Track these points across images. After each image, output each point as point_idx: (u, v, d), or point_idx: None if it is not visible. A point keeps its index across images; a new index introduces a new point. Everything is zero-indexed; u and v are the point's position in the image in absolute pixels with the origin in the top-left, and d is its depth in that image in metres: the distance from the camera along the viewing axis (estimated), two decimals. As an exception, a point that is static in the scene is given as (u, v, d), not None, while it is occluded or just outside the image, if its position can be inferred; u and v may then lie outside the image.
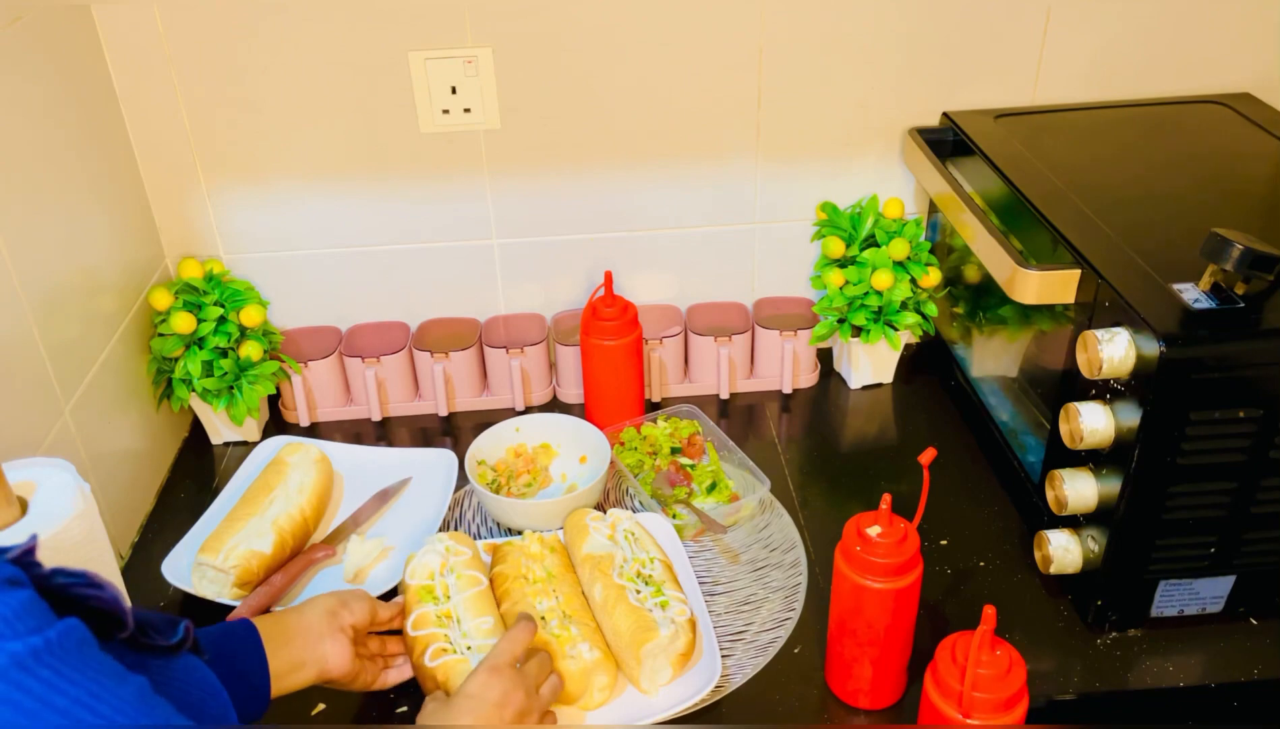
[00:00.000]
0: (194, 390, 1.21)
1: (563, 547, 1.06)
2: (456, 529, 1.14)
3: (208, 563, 1.01)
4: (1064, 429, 0.90)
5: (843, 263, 1.29)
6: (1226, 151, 1.15)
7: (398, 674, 0.94)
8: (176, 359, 1.20)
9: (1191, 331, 0.83)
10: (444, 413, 1.32)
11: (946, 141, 1.24)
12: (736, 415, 1.32)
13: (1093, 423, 0.88)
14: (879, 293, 1.25)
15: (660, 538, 1.08)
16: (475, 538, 1.11)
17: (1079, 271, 0.93)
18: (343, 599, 0.91)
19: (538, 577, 1.00)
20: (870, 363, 1.33)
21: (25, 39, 1.01)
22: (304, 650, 0.86)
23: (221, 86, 1.19)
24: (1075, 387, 0.92)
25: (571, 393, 1.34)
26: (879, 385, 1.35)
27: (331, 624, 0.88)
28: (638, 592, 0.97)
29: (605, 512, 1.08)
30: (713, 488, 1.15)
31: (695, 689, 0.92)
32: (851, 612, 0.87)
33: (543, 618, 0.96)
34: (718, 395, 1.34)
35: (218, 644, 0.79)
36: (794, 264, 1.36)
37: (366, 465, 1.21)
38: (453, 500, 1.16)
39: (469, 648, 0.91)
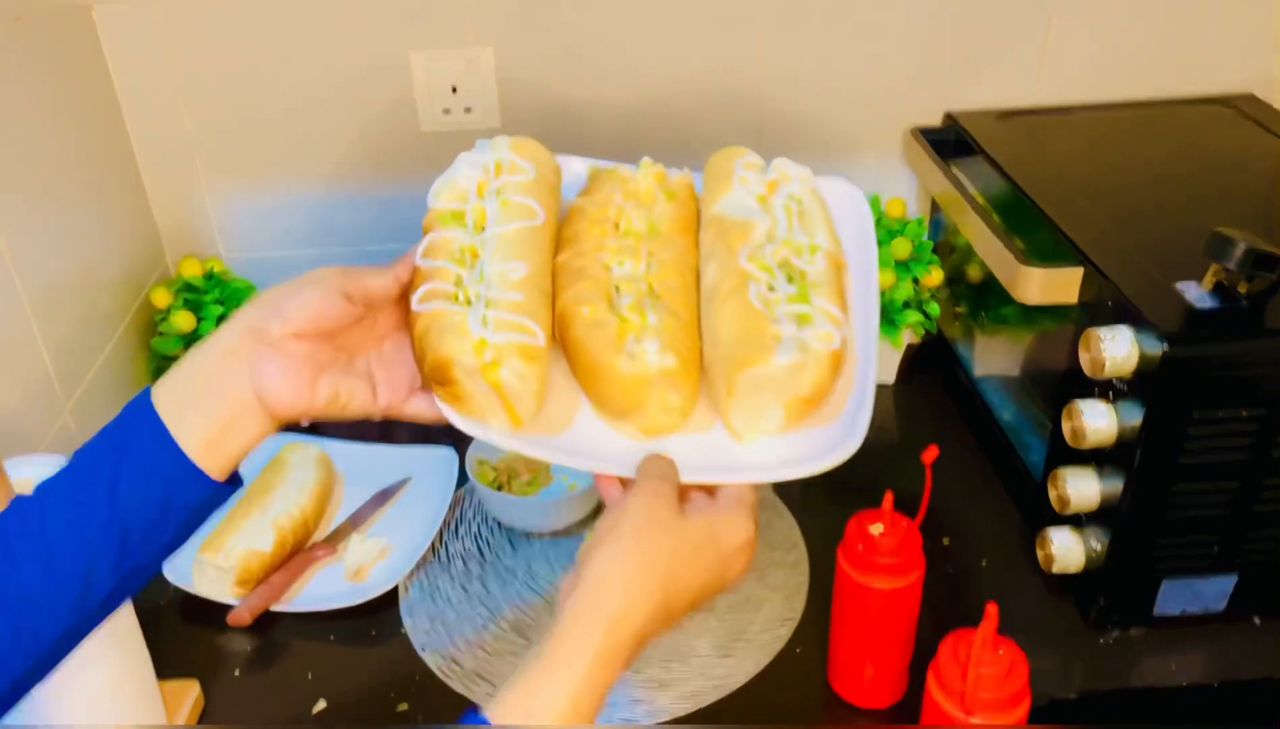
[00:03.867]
0: (194, 389, 1.21)
1: (693, 196, 0.76)
2: (458, 529, 1.13)
3: (208, 561, 1.01)
4: (1066, 428, 0.90)
5: (844, 262, 1.28)
6: (1230, 152, 1.15)
7: (429, 406, 0.68)
8: (177, 358, 1.20)
9: (1195, 331, 0.82)
10: (445, 412, 1.31)
11: (949, 141, 1.24)
12: (738, 415, 1.32)
13: (1095, 422, 0.88)
14: (881, 292, 1.25)
15: (846, 227, 0.73)
16: (478, 536, 1.07)
17: (1081, 270, 0.93)
18: (273, 298, 0.66)
19: (632, 227, 0.70)
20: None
21: (25, 39, 1.01)
22: (222, 401, 0.63)
23: (222, 85, 1.19)
24: (1078, 385, 0.92)
25: (572, 392, 1.33)
26: (881, 384, 1.35)
27: (254, 341, 0.64)
28: (770, 288, 0.65)
29: (770, 161, 0.75)
30: (714, 487, 1.13)
31: (810, 452, 0.63)
32: (853, 611, 0.87)
33: (616, 289, 0.67)
34: (719, 395, 1.33)
35: (113, 443, 0.63)
36: (795, 263, 1.36)
37: (367, 464, 1.21)
38: (454, 499, 1.16)
39: (476, 297, 0.64)
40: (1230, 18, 1.23)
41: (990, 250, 1.02)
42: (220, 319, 1.21)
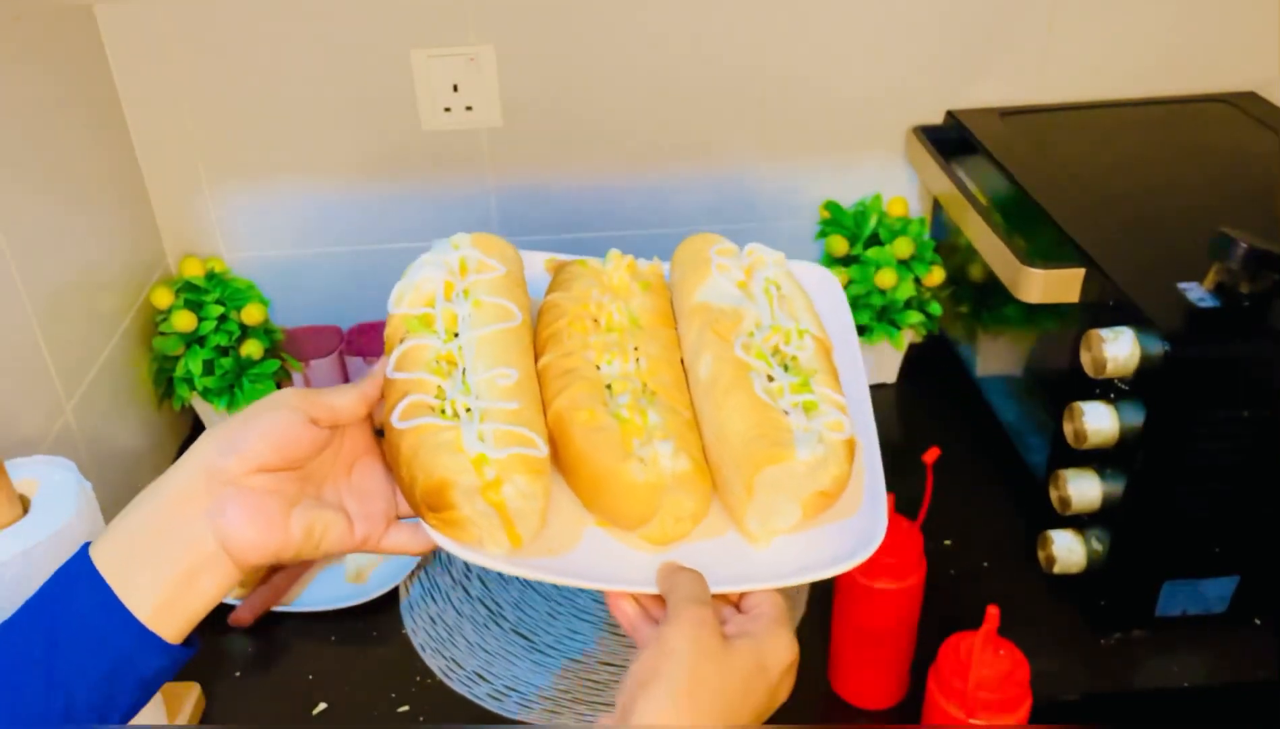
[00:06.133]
0: (195, 389, 1.21)
1: (664, 284, 0.74)
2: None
3: (209, 562, 1.01)
4: (1068, 428, 0.90)
5: (846, 261, 1.28)
6: (1232, 150, 1.14)
7: (413, 537, 0.63)
8: (178, 358, 1.20)
9: (1197, 331, 0.82)
10: (446, 412, 1.31)
11: (951, 140, 1.23)
12: (739, 414, 1.31)
13: (1097, 422, 0.88)
14: (882, 292, 1.25)
15: (823, 304, 0.72)
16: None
17: (1083, 270, 0.93)
18: (229, 431, 0.58)
19: (615, 322, 0.67)
20: (874, 362, 1.33)
21: (27, 38, 1.00)
22: (178, 554, 0.55)
23: (223, 85, 1.19)
24: (1079, 386, 0.92)
25: (574, 392, 1.33)
26: (882, 385, 1.35)
27: (211, 482, 0.56)
28: (770, 379, 0.63)
29: (743, 246, 0.73)
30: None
31: (837, 553, 0.62)
32: (855, 612, 0.87)
33: (608, 388, 0.64)
34: (720, 394, 1.33)
35: (48, 612, 0.54)
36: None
37: (368, 464, 1.20)
38: (455, 499, 1.16)
39: (468, 410, 0.59)
40: (1232, 16, 1.23)
41: (992, 250, 1.02)
42: (221, 319, 1.21)
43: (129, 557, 0.55)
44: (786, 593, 0.64)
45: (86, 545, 0.56)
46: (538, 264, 0.75)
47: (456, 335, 0.62)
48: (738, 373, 0.63)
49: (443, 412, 0.59)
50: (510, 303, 0.65)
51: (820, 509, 0.62)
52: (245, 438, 0.57)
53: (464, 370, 0.61)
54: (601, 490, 0.61)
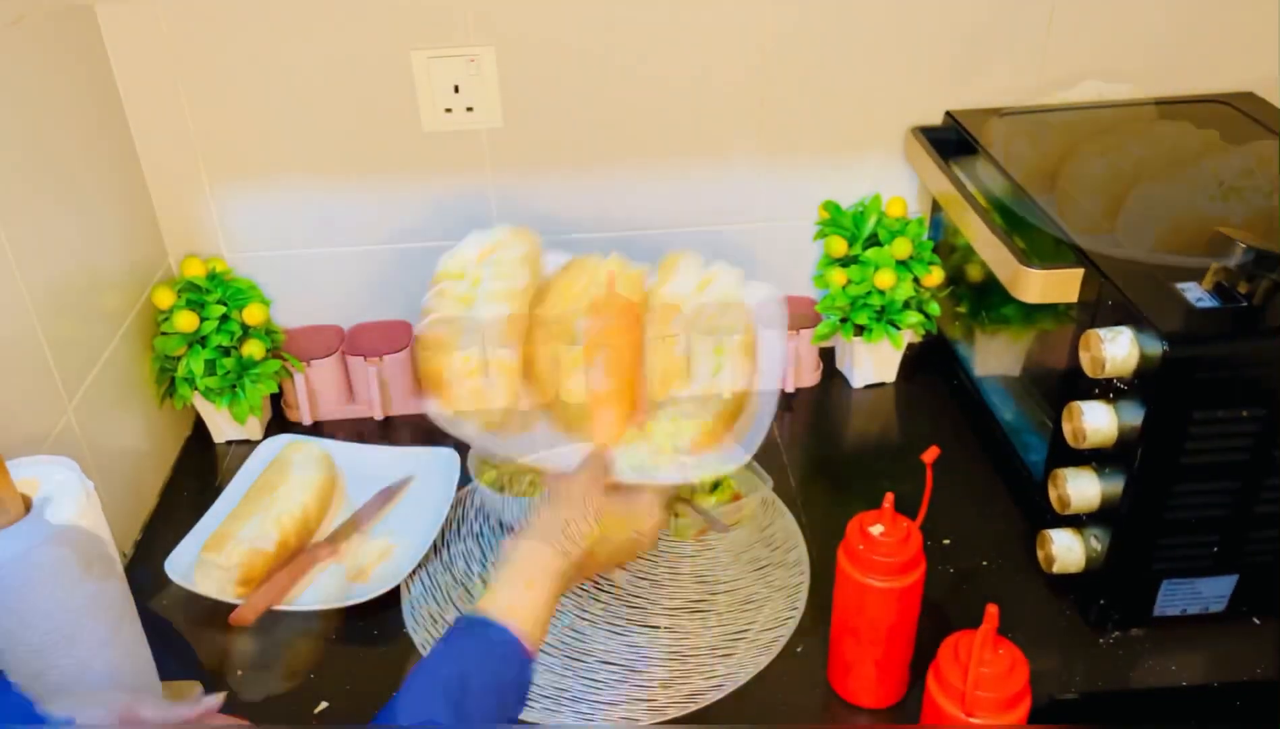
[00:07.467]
0: (196, 389, 1.21)
1: (640, 285, 1.02)
2: (460, 529, 1.13)
3: (211, 561, 1.01)
4: (1067, 428, 0.90)
5: (845, 262, 1.29)
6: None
7: None
8: (179, 358, 1.20)
9: (1195, 330, 0.83)
10: (446, 411, 1.32)
11: (950, 140, 1.24)
12: (739, 414, 1.32)
13: (1095, 422, 0.88)
14: (881, 292, 1.25)
15: (763, 310, 1.01)
16: (479, 536, 1.10)
17: (1082, 270, 0.93)
18: None
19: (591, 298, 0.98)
20: (873, 362, 1.33)
21: (29, 39, 1.01)
22: None
23: (225, 86, 1.19)
24: (1078, 385, 0.92)
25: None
26: (881, 385, 1.35)
27: None
28: (693, 345, 0.94)
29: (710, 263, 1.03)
30: (715, 487, 1.15)
31: (705, 465, 0.90)
32: (854, 611, 0.87)
33: (577, 340, 0.95)
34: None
35: None
36: (796, 263, 1.36)
37: (369, 464, 1.21)
38: (456, 499, 1.16)
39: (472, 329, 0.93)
40: (1230, 17, 1.23)
41: (991, 250, 1.02)
42: (223, 319, 1.21)
43: None
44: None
45: None
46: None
47: (479, 285, 0.96)
48: (671, 339, 0.92)
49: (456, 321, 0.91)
50: (524, 271, 0.98)
51: (711, 440, 0.88)
52: None
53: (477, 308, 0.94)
54: (554, 404, 0.91)
